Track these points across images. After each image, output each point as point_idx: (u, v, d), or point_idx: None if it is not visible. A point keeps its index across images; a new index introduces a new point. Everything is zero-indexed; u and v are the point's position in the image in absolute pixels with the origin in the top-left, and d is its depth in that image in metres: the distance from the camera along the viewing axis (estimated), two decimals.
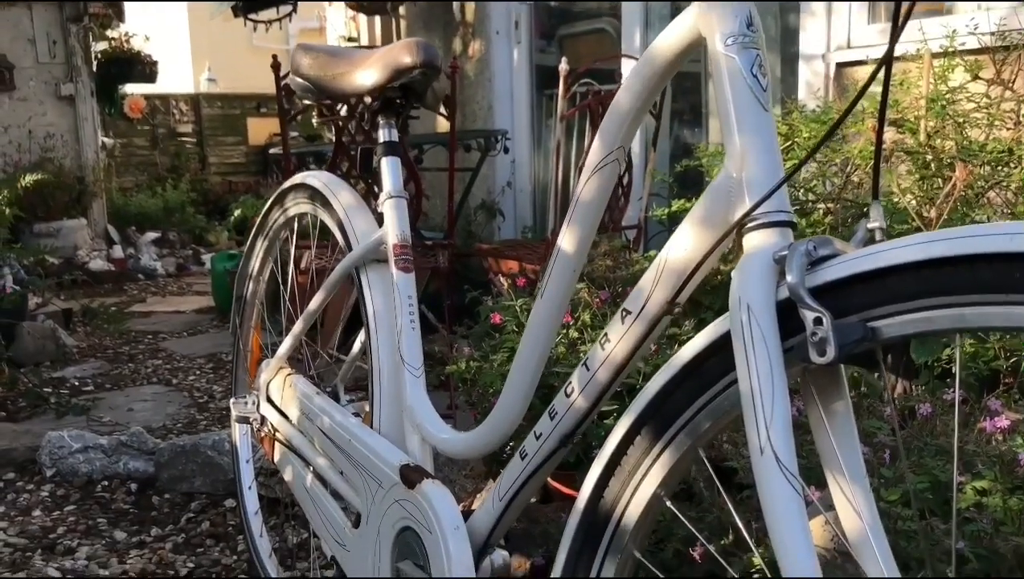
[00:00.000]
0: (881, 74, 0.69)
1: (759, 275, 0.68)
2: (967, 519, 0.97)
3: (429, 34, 4.65)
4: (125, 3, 7.27)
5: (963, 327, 0.60)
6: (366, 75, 1.28)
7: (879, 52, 2.23)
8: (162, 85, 8.45)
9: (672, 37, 0.80)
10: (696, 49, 0.79)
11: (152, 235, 7.17)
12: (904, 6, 0.67)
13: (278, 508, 2.02)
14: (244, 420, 1.64)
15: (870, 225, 0.69)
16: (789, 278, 0.65)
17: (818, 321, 0.63)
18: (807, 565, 0.62)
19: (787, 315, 0.66)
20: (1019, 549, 0.90)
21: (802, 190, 1.93)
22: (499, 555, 1.10)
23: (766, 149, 0.71)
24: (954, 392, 1.21)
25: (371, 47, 5.23)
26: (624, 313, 0.83)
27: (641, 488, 0.80)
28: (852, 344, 0.63)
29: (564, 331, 1.79)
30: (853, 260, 0.64)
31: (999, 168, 1.69)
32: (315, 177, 1.51)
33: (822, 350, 0.63)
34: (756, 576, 0.98)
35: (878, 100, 1.99)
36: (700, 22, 0.76)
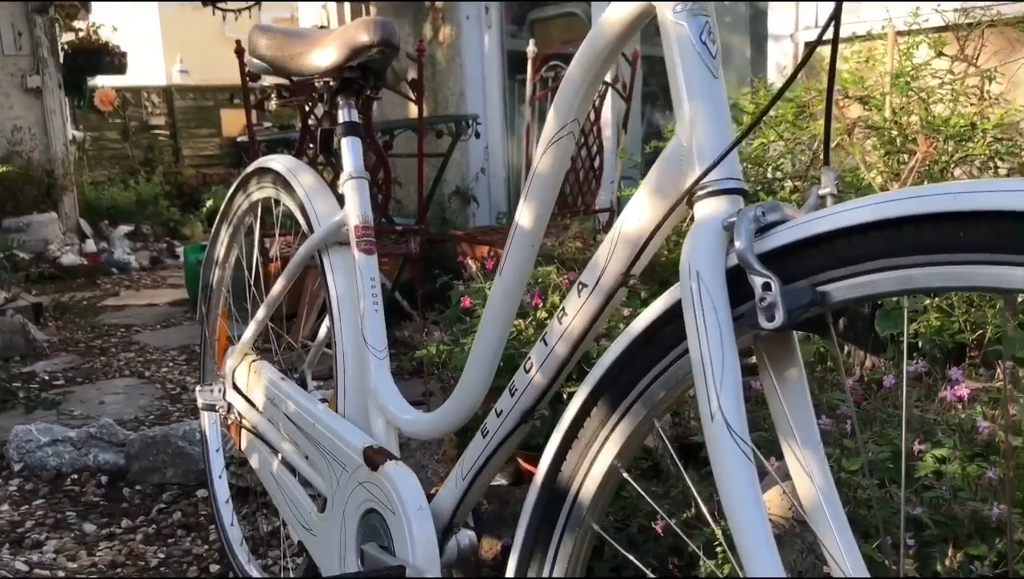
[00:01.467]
0: (834, 44, 0.69)
1: (708, 243, 0.67)
2: (926, 486, 0.98)
3: (399, 20, 4.62)
4: None
5: (911, 288, 0.60)
6: (324, 55, 1.26)
7: (848, 30, 2.24)
8: (133, 77, 8.34)
9: (623, 7, 0.79)
10: (647, 19, 0.78)
11: (125, 229, 7.10)
12: None
13: (249, 496, 2.01)
14: (210, 408, 1.63)
15: (821, 191, 0.69)
16: (737, 244, 0.64)
17: (766, 286, 0.63)
18: (758, 530, 0.61)
19: (737, 282, 0.66)
20: (976, 514, 0.91)
21: (770, 168, 1.93)
22: (465, 535, 1.09)
23: (715, 116, 0.70)
24: (916, 362, 1.22)
25: None
26: (580, 286, 0.83)
27: (598, 460, 0.79)
28: (801, 309, 0.63)
29: (534, 313, 1.79)
30: (801, 225, 0.63)
31: (963, 143, 1.69)
32: (277, 161, 1.49)
33: (771, 316, 0.63)
34: (719, 548, 0.98)
35: (846, 77, 1.98)
36: None
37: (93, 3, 7.43)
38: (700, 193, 0.70)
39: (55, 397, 3.06)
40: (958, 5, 2.00)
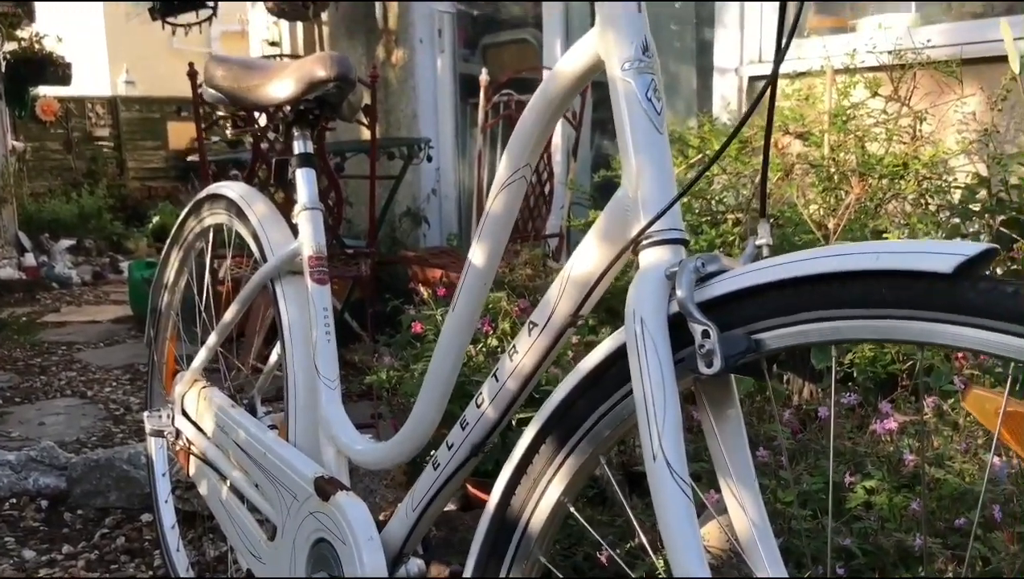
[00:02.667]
0: (778, 91, 0.73)
1: (651, 290, 0.71)
2: (856, 517, 1.03)
3: (352, 41, 4.63)
4: (36, 2, 7.03)
5: (838, 339, 0.65)
6: (280, 87, 1.28)
7: (789, 67, 2.33)
8: (78, 87, 8.19)
9: (574, 59, 0.83)
10: (597, 71, 0.82)
11: (67, 242, 6.95)
12: (787, 23, 0.70)
13: (196, 521, 1.99)
14: (159, 434, 1.62)
15: (758, 242, 0.73)
16: (679, 293, 0.68)
17: (705, 334, 0.67)
18: (695, 564, 0.65)
19: (678, 328, 0.69)
20: (901, 544, 0.96)
21: (714, 201, 1.99)
22: (414, 564, 1.11)
23: (659, 170, 0.74)
24: (849, 394, 1.28)
25: (293, 55, 5.18)
26: (531, 325, 0.86)
27: (546, 495, 0.82)
28: (737, 355, 0.67)
29: (484, 340, 1.82)
30: (738, 276, 0.67)
31: (895, 181, 1.77)
32: (230, 188, 1.50)
33: (710, 361, 0.67)
34: (662, 577, 1.01)
35: (786, 113, 2.05)
36: (599, 46, 0.79)
37: (37, 9, 7.29)
38: (645, 242, 0.74)
39: None
40: (892, 47, 2.09)
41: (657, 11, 3.38)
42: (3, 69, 6.49)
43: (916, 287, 0.58)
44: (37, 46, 7.04)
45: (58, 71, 7.16)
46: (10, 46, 6.85)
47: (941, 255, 0.57)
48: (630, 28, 0.76)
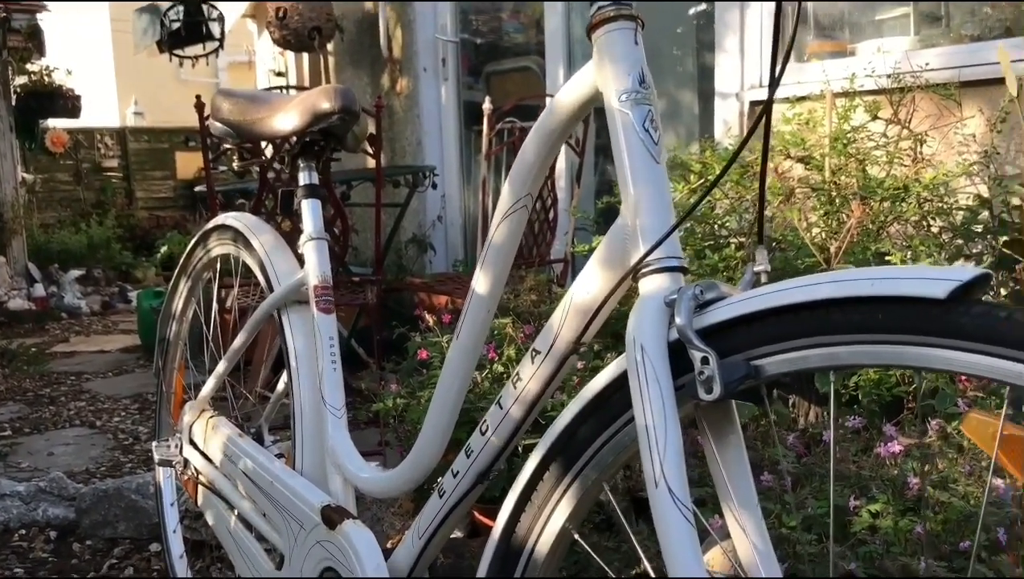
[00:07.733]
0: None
1: (651, 317, 0.72)
2: (861, 541, 1.03)
3: (357, 70, 4.68)
4: (45, 36, 7.13)
5: (837, 365, 0.65)
6: (285, 120, 1.30)
7: (790, 91, 2.35)
8: (87, 119, 8.28)
9: (573, 91, 0.84)
10: (596, 102, 0.84)
11: (76, 272, 7.00)
12: (780, 55, 0.72)
13: (204, 551, 1.99)
14: (167, 463, 1.63)
15: (756, 268, 0.74)
16: (678, 320, 0.69)
17: (705, 360, 0.68)
18: None
19: (678, 355, 0.70)
20: (906, 568, 0.96)
21: (716, 225, 2.00)
22: None
23: (657, 199, 0.75)
24: (853, 417, 1.28)
25: (299, 85, 5.23)
26: (534, 352, 0.87)
27: (551, 522, 0.83)
28: (737, 381, 0.67)
29: (489, 367, 1.82)
30: (736, 303, 0.68)
31: (897, 203, 1.78)
32: (237, 219, 1.52)
33: (709, 388, 0.68)
34: None
35: (787, 138, 2.06)
36: (597, 78, 0.80)
37: (47, 42, 7.39)
38: (644, 270, 0.75)
39: (1, 448, 3.00)
40: (891, 70, 2.10)
41: (658, 37, 3.41)
42: (13, 102, 6.57)
43: (911, 313, 0.59)
44: (47, 79, 7.14)
45: (67, 104, 7.25)
46: (20, 80, 6.94)
47: (935, 281, 0.58)
48: (627, 60, 0.78)
